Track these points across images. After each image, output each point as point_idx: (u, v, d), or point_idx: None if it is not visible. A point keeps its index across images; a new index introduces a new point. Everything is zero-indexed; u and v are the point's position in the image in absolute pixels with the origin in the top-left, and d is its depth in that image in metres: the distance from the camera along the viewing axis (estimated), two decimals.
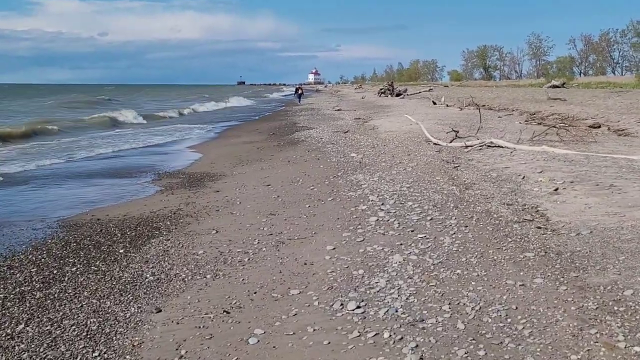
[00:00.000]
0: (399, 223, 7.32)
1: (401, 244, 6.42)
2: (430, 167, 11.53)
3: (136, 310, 5.25)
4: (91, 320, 5.06)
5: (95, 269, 6.52)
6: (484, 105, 32.98)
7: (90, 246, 7.46)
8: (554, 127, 15.20)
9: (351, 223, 7.59)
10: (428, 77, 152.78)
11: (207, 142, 21.48)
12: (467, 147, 13.81)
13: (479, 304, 4.73)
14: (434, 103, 35.84)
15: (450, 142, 14.82)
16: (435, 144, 15.02)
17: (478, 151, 13.18)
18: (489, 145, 13.49)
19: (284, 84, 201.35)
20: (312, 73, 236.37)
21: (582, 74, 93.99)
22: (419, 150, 14.29)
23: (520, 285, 5.07)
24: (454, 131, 15.21)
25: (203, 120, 35.22)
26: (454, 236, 6.60)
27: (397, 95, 51.42)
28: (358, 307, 4.84)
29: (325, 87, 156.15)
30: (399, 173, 11.13)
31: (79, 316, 5.16)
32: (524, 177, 9.57)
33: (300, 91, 54.78)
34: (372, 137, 18.46)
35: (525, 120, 21.94)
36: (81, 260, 6.85)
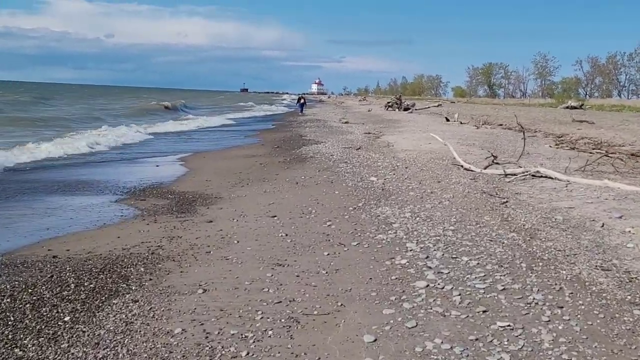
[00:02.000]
0: (460, 295, 5.20)
1: (477, 340, 4.29)
2: (472, 201, 9.44)
3: None
4: None
5: (20, 353, 4.39)
6: (501, 125, 31.04)
7: (27, 305, 5.34)
8: (606, 155, 13.10)
9: (391, 289, 5.46)
10: (432, 92, 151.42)
11: (202, 153, 19.34)
12: (506, 175, 11.73)
13: None
14: (447, 120, 33.79)
15: (485, 168, 12.74)
16: (467, 169, 12.93)
17: (522, 182, 11.09)
18: (534, 175, 11.41)
19: (287, 93, 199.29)
20: (315, 83, 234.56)
21: (587, 96, 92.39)
22: (449, 176, 12.20)
23: None
24: (493, 156, 13.11)
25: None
26: (551, 327, 4.47)
27: (405, 109, 49.49)
28: None
29: (329, 97, 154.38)
30: (435, 208, 9.03)
31: None
32: (603, 224, 7.46)
33: (302, 100, 52.56)
34: (388, 156, 16.37)
35: (556, 144, 19.86)
36: (4, 334, 4.72)
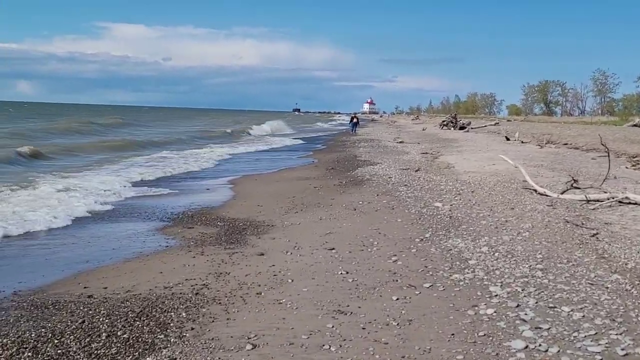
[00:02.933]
0: None
1: None
2: (555, 233, 8.30)
3: None
4: None
5: None
6: (566, 144, 29.39)
7: None
8: None
9: (480, 350, 4.46)
10: (486, 110, 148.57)
11: (253, 176, 18.63)
12: (589, 202, 10.50)
13: None
14: (507, 139, 32.26)
15: (563, 193, 11.52)
16: (541, 194, 11.74)
17: (609, 210, 9.86)
18: (621, 202, 10.16)
19: (339, 113, 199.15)
20: (367, 102, 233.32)
21: None
22: (522, 202, 11.04)
23: None
24: (573, 179, 11.88)
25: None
26: None
27: (461, 128, 47.96)
28: None
29: (381, 117, 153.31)
30: (514, 240, 7.94)
31: None
32: None
33: (355, 120, 51.61)
34: (451, 178, 15.27)
35: (633, 165, 18.30)
36: None
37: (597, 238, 7.88)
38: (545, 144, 28.39)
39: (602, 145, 12.35)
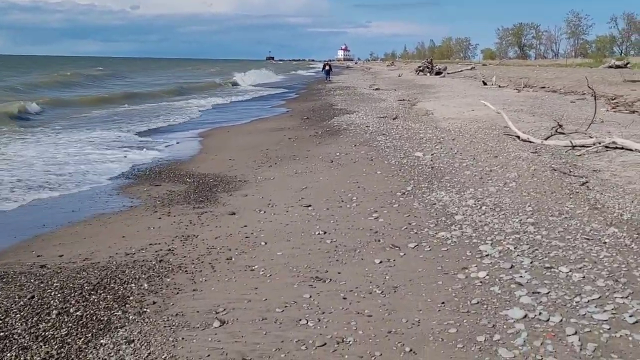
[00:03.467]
0: (577, 334, 3.71)
1: None
2: (543, 182, 7.87)
3: None
4: None
5: None
6: (544, 87, 28.97)
7: None
8: None
9: (474, 321, 4.00)
10: (461, 55, 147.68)
11: (226, 128, 17.90)
12: (574, 147, 10.09)
13: None
14: (484, 83, 31.73)
15: (547, 139, 11.08)
16: (524, 140, 11.29)
17: (596, 156, 9.45)
18: (608, 147, 9.75)
19: (313, 60, 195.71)
20: (341, 49, 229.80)
21: (623, 54, 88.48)
22: (506, 149, 10.60)
23: None
24: (558, 124, 11.41)
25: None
26: None
27: (437, 73, 47.25)
28: None
29: (355, 63, 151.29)
30: (501, 192, 7.50)
31: None
32: None
33: (328, 67, 50.38)
34: (430, 126, 14.75)
35: (612, 108, 17.95)
36: None
37: (588, 187, 7.46)
38: (523, 87, 27.94)
39: (589, 87, 11.89)
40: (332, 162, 10.49)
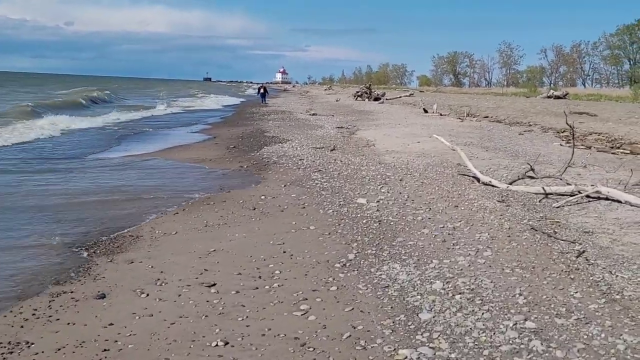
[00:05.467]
0: None
1: None
2: (527, 250, 5.98)
3: None
4: None
5: None
6: (487, 117, 27.79)
7: None
8: None
9: None
10: (397, 81, 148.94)
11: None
12: (547, 195, 8.34)
13: None
14: (425, 111, 30.40)
15: (511, 183, 9.33)
16: (486, 184, 9.50)
17: (578, 207, 7.71)
18: (589, 197, 8.03)
19: (251, 82, 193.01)
20: (279, 72, 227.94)
21: (552, 84, 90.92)
22: (465, 195, 8.79)
23: None
24: (530, 166, 9.67)
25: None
26: None
27: (376, 99, 45.97)
28: None
29: (293, 87, 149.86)
30: (475, 266, 5.54)
31: None
32: None
33: (262, 90, 48.12)
34: (372, 160, 12.87)
35: (567, 142, 16.61)
36: None
37: (587, 259, 5.61)
38: (466, 116, 26.69)
39: (568, 125, 10.18)
40: (254, 209, 8.36)
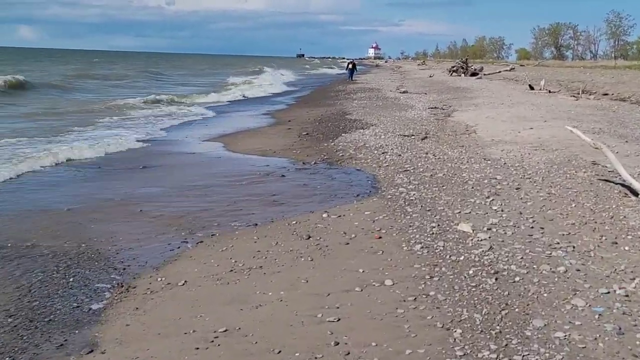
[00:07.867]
0: None
1: None
2: None
3: None
4: None
5: None
6: (606, 94, 23.82)
7: None
8: None
9: None
10: (494, 55, 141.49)
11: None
12: None
13: None
14: (531, 88, 26.58)
15: None
16: None
17: None
18: None
19: (343, 58, 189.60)
20: (372, 47, 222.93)
21: None
22: (622, 220, 5.86)
23: None
24: None
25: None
26: None
27: (473, 74, 42.05)
28: None
29: (386, 62, 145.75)
30: None
31: None
32: None
33: (351, 66, 45.01)
34: (474, 154, 10.03)
35: None
36: None
37: None
38: (581, 94, 22.82)
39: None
40: (308, 238, 5.83)
